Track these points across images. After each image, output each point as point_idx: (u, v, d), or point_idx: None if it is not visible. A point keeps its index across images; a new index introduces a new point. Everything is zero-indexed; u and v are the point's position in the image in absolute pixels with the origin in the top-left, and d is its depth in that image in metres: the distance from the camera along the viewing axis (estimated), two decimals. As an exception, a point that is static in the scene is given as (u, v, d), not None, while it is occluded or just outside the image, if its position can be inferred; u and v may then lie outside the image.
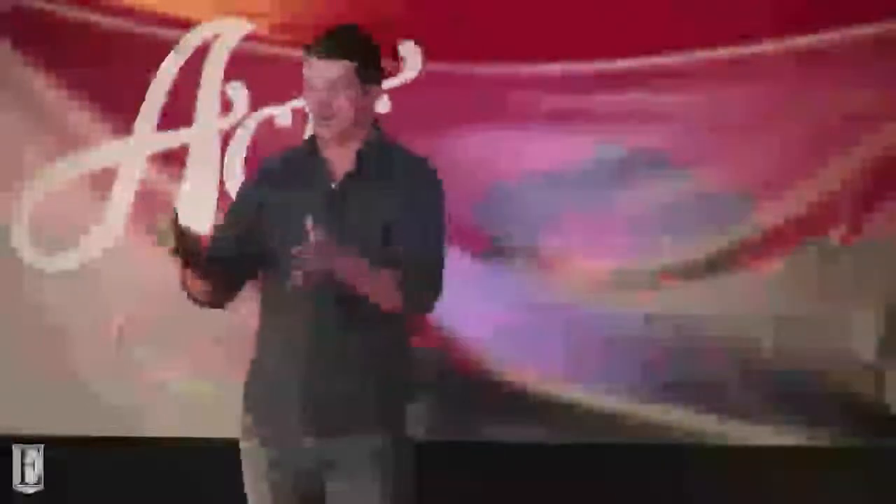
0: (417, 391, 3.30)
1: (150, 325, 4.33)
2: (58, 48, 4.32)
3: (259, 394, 3.25)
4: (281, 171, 3.28)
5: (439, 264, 3.21)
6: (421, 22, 4.25)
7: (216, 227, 3.37)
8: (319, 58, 3.16)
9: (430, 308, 3.22)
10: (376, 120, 3.26)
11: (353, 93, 3.17)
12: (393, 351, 3.22)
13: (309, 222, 2.98)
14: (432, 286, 3.20)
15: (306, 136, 3.32)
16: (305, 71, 3.18)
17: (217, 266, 3.21)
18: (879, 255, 4.23)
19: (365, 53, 3.21)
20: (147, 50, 4.31)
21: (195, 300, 3.23)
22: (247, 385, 3.28)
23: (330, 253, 3.00)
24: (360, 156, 3.21)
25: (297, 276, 2.99)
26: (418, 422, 3.26)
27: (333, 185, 3.21)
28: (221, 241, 3.29)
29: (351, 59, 3.16)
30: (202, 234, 3.14)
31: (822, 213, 4.25)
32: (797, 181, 4.25)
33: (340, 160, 3.22)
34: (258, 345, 3.30)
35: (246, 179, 3.42)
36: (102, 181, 4.35)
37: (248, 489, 3.27)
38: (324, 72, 3.15)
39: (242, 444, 3.27)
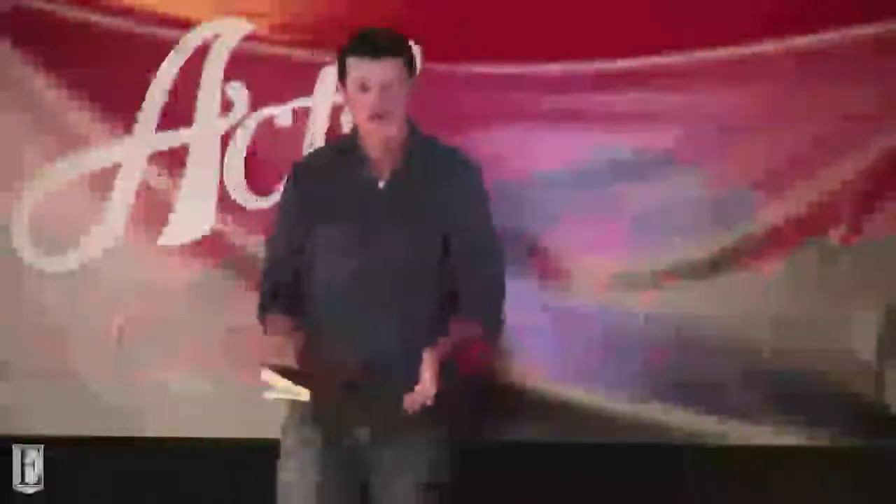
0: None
1: (150, 325, 4.32)
2: (58, 48, 4.31)
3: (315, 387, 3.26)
4: (322, 170, 3.28)
5: (500, 278, 3.31)
6: (421, 22, 4.24)
7: (273, 246, 3.39)
8: (374, 58, 3.16)
9: (502, 327, 3.31)
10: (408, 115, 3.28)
11: (406, 90, 3.21)
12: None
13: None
14: (501, 306, 3.30)
15: (348, 132, 3.31)
16: (354, 72, 3.18)
17: (289, 292, 3.28)
18: (879, 255, 4.23)
19: (409, 49, 3.26)
20: (147, 50, 4.30)
21: None
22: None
23: (433, 382, 3.08)
24: (405, 154, 3.21)
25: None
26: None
27: (381, 185, 3.21)
28: (283, 262, 3.31)
29: (401, 56, 3.20)
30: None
31: (822, 213, 4.25)
32: (797, 181, 4.25)
33: (383, 157, 3.23)
34: (311, 342, 3.30)
35: (287, 185, 3.41)
36: (102, 181, 4.34)
37: (284, 478, 3.29)
38: (379, 72, 3.16)
39: (287, 435, 3.30)
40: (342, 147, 3.29)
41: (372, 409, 3.12)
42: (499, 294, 3.28)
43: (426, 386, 3.05)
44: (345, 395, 3.19)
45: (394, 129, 3.20)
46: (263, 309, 3.33)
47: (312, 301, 3.28)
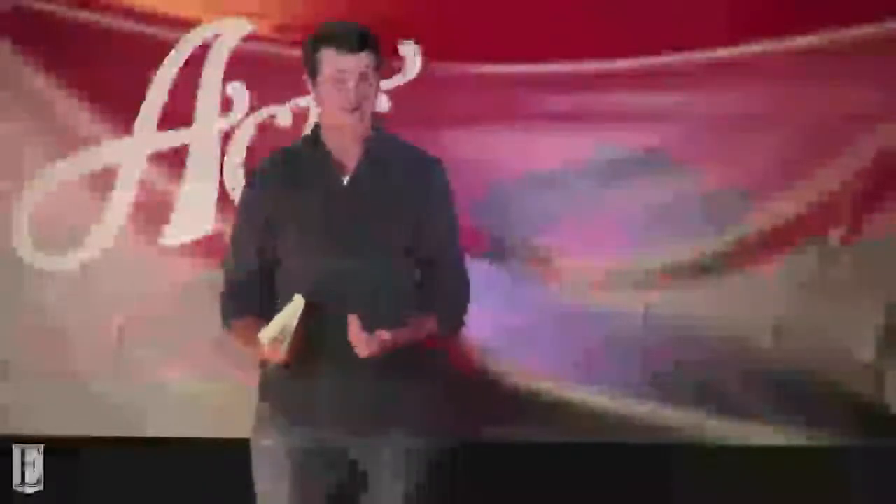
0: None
1: (150, 325, 4.33)
2: (58, 48, 4.31)
3: (287, 392, 3.25)
4: (283, 170, 3.29)
5: (467, 280, 3.35)
6: (421, 22, 4.25)
7: (234, 249, 3.39)
8: (350, 52, 3.20)
9: (462, 326, 3.36)
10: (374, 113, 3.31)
11: (377, 83, 3.26)
12: (427, 352, 3.25)
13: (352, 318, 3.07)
14: (464, 307, 3.34)
15: (307, 132, 3.35)
16: (330, 65, 3.21)
17: (254, 293, 3.27)
18: (879, 255, 4.23)
19: (378, 45, 3.29)
20: (147, 50, 4.31)
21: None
22: (267, 384, 3.28)
23: (380, 340, 3.09)
24: (368, 149, 3.24)
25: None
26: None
27: (345, 181, 3.23)
28: (246, 264, 3.31)
29: (374, 51, 3.24)
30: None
31: (822, 213, 4.25)
32: (797, 181, 4.25)
33: (346, 153, 3.25)
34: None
35: (246, 188, 3.43)
36: (102, 181, 4.34)
37: (263, 487, 3.27)
38: (355, 64, 3.19)
39: (261, 442, 3.28)
40: (302, 147, 3.31)
41: (343, 401, 3.14)
42: (462, 297, 3.33)
43: (369, 341, 3.09)
44: (319, 404, 3.18)
45: (367, 123, 3.23)
46: (226, 316, 3.35)
47: (284, 301, 3.28)
